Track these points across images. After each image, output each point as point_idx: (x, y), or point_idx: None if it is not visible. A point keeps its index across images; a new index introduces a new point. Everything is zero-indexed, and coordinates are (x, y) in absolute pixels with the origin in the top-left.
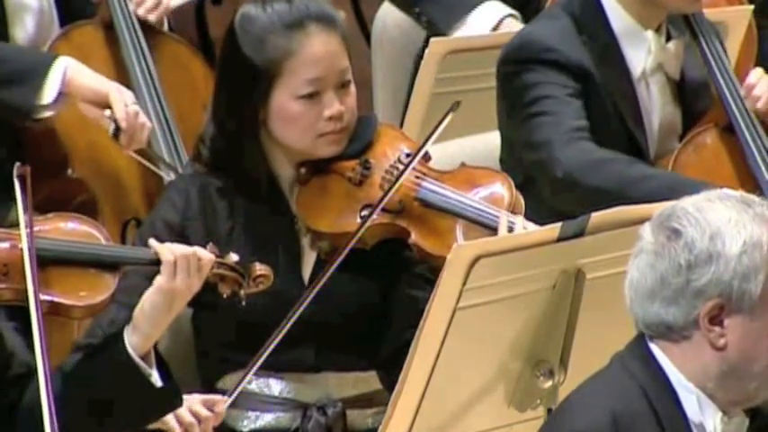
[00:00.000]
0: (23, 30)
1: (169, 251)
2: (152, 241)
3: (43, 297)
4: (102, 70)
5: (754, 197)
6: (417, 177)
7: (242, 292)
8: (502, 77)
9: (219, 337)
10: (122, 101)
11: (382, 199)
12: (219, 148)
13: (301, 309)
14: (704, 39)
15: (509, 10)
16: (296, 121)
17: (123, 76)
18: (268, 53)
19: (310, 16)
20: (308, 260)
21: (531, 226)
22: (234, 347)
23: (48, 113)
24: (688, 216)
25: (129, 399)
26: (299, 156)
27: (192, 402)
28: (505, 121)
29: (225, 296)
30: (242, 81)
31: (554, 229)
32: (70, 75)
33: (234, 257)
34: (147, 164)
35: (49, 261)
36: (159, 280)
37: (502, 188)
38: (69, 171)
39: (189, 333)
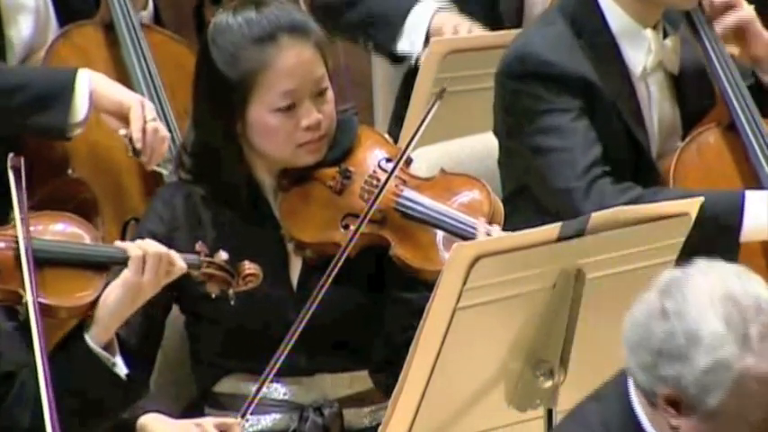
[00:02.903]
0: (21, 30)
1: (138, 247)
2: (119, 242)
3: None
4: (102, 70)
5: (766, 305)
6: (397, 186)
7: (231, 291)
8: (501, 91)
9: (212, 345)
10: (141, 118)
11: (366, 214)
12: (200, 157)
13: (302, 325)
14: (707, 36)
15: (439, 3)
16: (274, 133)
17: (123, 77)
18: (241, 68)
19: (281, 28)
20: (295, 265)
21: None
22: (227, 355)
23: (80, 130)
24: (682, 303)
25: (95, 390)
26: (280, 165)
27: (207, 427)
28: (505, 136)
29: (213, 295)
30: (217, 95)
31: (554, 228)
32: (93, 86)
33: (223, 256)
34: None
35: (39, 261)
36: (126, 274)
37: (480, 196)
38: (70, 171)
39: (184, 338)
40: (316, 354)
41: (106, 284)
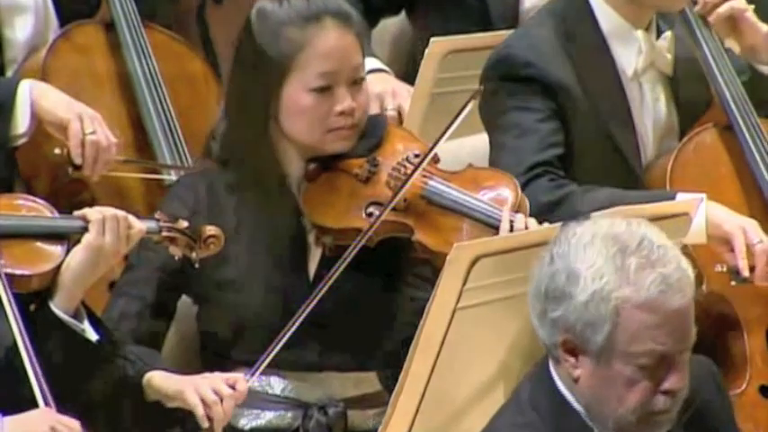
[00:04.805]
0: (19, 30)
1: (97, 211)
2: (77, 211)
3: None
4: (103, 70)
5: (649, 243)
6: (424, 176)
7: (194, 255)
8: (484, 93)
9: (224, 336)
10: (79, 133)
11: (393, 198)
12: (230, 143)
13: (311, 306)
14: (702, 37)
15: (373, 64)
16: (306, 113)
17: (124, 76)
18: (282, 45)
19: (327, 11)
20: (314, 257)
21: (532, 222)
22: (238, 346)
23: (24, 140)
24: (566, 245)
25: (69, 358)
26: (309, 151)
27: (215, 380)
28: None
29: (177, 258)
30: (255, 72)
31: (554, 228)
32: (35, 97)
33: (184, 223)
34: (151, 176)
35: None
36: (88, 237)
37: (507, 189)
38: (69, 171)
39: (194, 332)
40: (326, 350)
41: (68, 252)
